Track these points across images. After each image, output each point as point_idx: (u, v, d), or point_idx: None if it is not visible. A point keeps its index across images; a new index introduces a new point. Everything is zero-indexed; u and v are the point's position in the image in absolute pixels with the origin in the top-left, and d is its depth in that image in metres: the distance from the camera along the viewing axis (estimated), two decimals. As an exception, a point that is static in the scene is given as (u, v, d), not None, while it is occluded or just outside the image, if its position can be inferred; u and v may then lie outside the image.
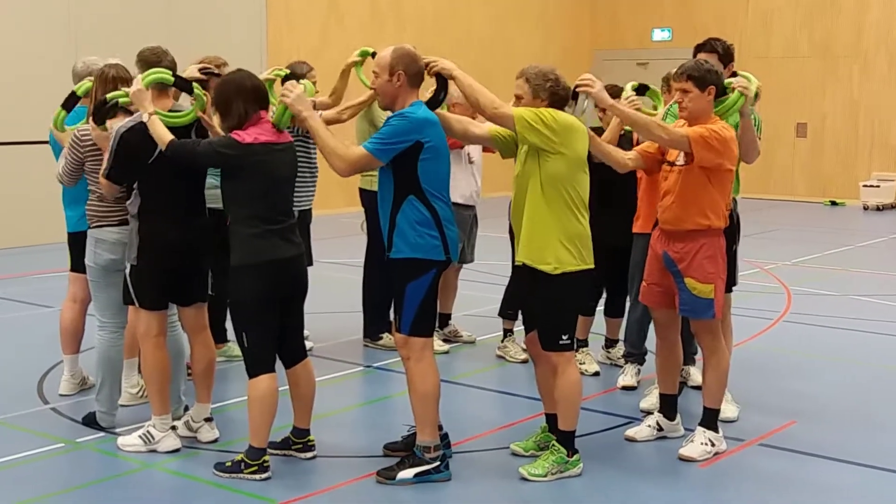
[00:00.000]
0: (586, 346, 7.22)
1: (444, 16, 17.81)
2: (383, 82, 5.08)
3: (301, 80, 6.70)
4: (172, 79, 5.40)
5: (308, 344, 6.48)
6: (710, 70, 5.39)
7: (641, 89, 6.50)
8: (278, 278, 5.10)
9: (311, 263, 6.91)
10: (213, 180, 6.03)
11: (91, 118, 5.52)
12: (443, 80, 5.18)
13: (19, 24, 12.46)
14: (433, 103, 5.17)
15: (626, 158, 5.64)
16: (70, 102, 6.02)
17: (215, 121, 5.44)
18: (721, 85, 5.46)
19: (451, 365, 7.27)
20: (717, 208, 5.41)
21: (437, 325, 7.71)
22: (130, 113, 5.40)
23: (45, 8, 12.65)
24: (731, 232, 5.94)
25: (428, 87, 5.21)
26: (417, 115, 4.99)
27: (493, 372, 7.29)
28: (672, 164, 5.48)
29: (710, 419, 5.58)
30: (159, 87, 5.38)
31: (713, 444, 5.53)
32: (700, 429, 5.57)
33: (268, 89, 5.69)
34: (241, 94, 5.08)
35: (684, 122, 5.48)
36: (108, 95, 5.47)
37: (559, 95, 5.09)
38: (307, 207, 7.29)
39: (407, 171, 4.98)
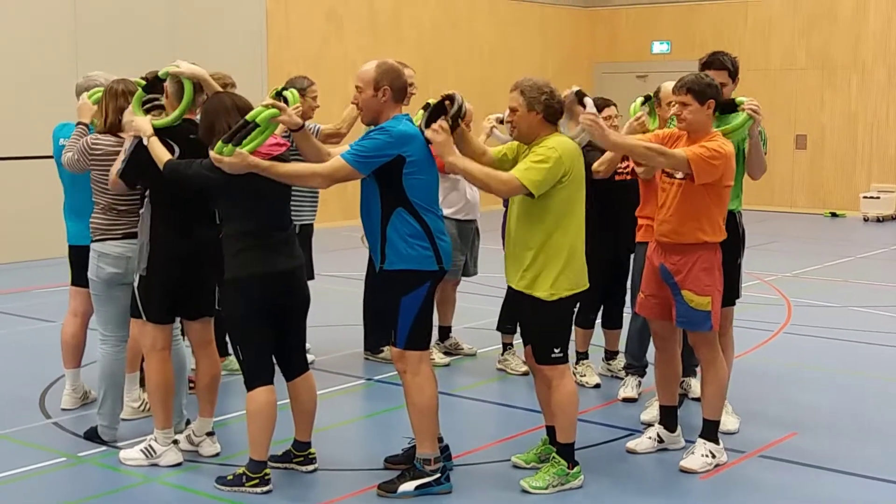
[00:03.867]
0: (586, 358, 7.22)
1: (443, 29, 17.86)
2: (368, 97, 5.02)
3: (287, 91, 6.71)
4: (143, 90, 5.46)
5: (309, 357, 6.48)
6: (710, 84, 5.41)
7: (647, 100, 6.51)
8: (269, 291, 5.09)
9: (311, 277, 6.92)
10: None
11: (132, 105, 5.55)
12: (442, 105, 5.11)
13: (21, 40, 12.50)
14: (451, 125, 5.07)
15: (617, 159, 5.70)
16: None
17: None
18: (719, 99, 5.47)
19: (452, 378, 7.28)
20: (715, 223, 5.43)
21: (437, 338, 7.79)
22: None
23: (47, 27, 12.68)
24: (736, 245, 5.95)
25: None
26: (398, 130, 4.95)
27: (494, 385, 7.30)
28: (672, 176, 5.49)
29: (711, 431, 5.59)
30: (178, 96, 5.42)
31: (714, 456, 5.53)
32: (700, 441, 5.58)
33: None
34: (224, 112, 5.07)
35: (672, 131, 5.53)
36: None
37: (553, 108, 5.09)
38: (309, 221, 7.30)
39: (393, 186, 4.96)
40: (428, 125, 5.06)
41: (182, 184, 5.19)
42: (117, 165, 5.43)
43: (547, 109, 5.08)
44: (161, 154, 5.19)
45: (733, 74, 5.96)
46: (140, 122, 5.31)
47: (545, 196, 5.03)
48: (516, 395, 6.97)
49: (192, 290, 5.52)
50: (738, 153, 5.75)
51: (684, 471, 5.47)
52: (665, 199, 5.51)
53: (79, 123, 6.04)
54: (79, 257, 6.12)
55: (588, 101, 5.26)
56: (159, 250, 5.37)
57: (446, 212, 7.25)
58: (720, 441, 5.61)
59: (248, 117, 4.93)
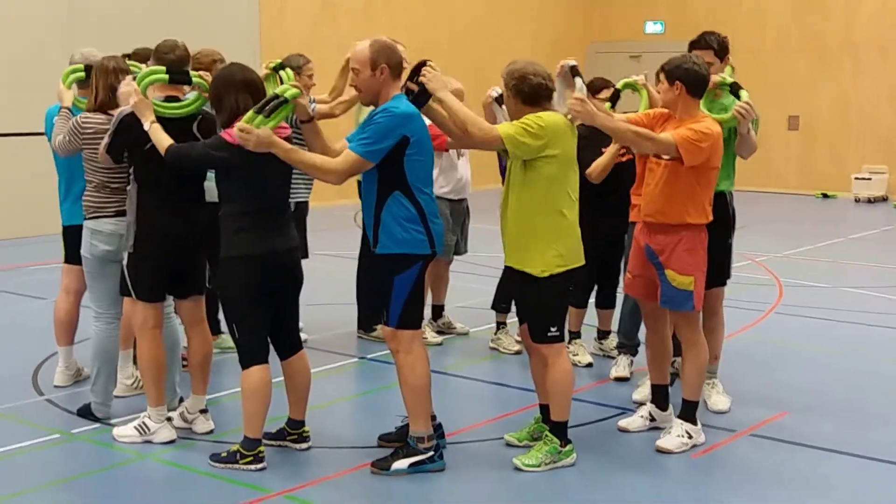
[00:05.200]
0: (579, 337, 7.24)
1: (436, 9, 17.81)
2: (366, 78, 5.03)
3: (283, 70, 6.70)
4: (167, 76, 5.40)
5: (302, 336, 6.49)
6: (678, 66, 5.41)
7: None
8: (266, 271, 5.10)
9: (306, 256, 6.92)
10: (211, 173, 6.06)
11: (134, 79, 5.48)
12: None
13: (13, 15, 12.44)
14: (421, 100, 5.11)
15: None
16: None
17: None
18: (694, 81, 5.38)
19: (444, 357, 7.30)
20: (700, 205, 5.45)
21: (431, 317, 7.82)
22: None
23: (41, 3, 12.63)
24: (726, 225, 5.98)
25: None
26: (402, 110, 4.97)
27: (487, 364, 7.33)
28: (659, 156, 5.51)
29: (689, 411, 5.61)
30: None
31: (690, 437, 5.55)
32: (678, 421, 5.60)
33: (266, 84, 5.65)
34: (233, 88, 5.07)
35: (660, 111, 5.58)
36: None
37: (524, 92, 5.10)
38: (304, 199, 7.29)
39: (393, 167, 4.97)
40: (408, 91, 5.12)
41: (186, 167, 5.19)
42: (106, 139, 5.43)
43: (518, 94, 5.12)
44: (163, 140, 5.16)
45: (719, 53, 5.97)
46: (143, 107, 5.26)
47: (535, 173, 5.06)
48: (509, 373, 7.00)
49: (181, 268, 5.53)
50: (727, 136, 5.77)
51: (660, 450, 5.49)
52: (652, 179, 5.54)
53: (62, 108, 6.03)
54: (72, 236, 6.13)
55: (578, 80, 5.28)
56: (146, 228, 5.38)
57: (439, 191, 7.25)
58: (698, 421, 5.63)
59: (277, 91, 4.94)
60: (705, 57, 5.78)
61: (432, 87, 5.03)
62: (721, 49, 5.99)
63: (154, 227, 5.38)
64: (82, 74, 6.02)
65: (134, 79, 5.42)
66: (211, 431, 5.64)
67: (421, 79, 5.05)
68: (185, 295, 5.65)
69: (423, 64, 5.11)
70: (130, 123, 5.29)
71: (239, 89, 5.06)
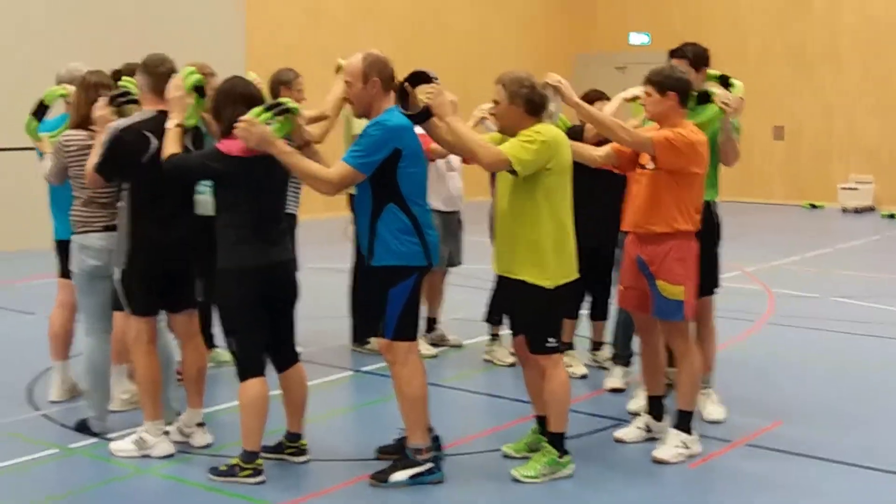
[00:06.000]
0: (572, 349, 7.27)
1: (422, 16, 17.85)
2: (358, 90, 5.09)
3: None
4: (205, 81, 5.45)
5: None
6: (669, 76, 5.47)
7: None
8: (264, 283, 5.12)
9: (296, 268, 6.91)
10: (199, 187, 6.05)
11: (109, 101, 5.55)
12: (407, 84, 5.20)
13: (2, 32, 12.42)
14: (423, 116, 5.15)
15: (595, 154, 5.73)
16: (39, 111, 6.16)
17: None
18: (686, 91, 5.48)
19: (439, 369, 7.30)
20: (686, 212, 5.49)
21: (425, 329, 7.82)
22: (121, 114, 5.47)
23: (22, 13, 12.64)
24: (712, 234, 6.03)
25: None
26: (394, 123, 5.01)
27: (482, 375, 7.34)
28: (643, 167, 5.55)
29: (684, 421, 5.63)
30: (152, 89, 5.42)
31: (687, 447, 5.57)
32: (674, 431, 5.62)
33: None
34: (231, 100, 5.11)
35: (656, 126, 5.58)
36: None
37: (534, 102, 5.13)
38: (292, 212, 7.28)
39: (387, 180, 5.00)
40: (403, 105, 5.13)
41: (183, 176, 5.20)
42: (93, 160, 5.42)
43: (528, 103, 5.13)
44: (171, 147, 5.17)
45: (695, 63, 6.03)
46: (180, 106, 5.26)
47: (534, 184, 5.08)
48: (503, 385, 7.01)
49: (174, 282, 5.54)
50: (711, 143, 5.82)
51: (657, 461, 5.51)
52: (638, 190, 5.58)
53: (44, 154, 6.06)
54: (65, 250, 6.12)
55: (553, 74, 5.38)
56: (138, 243, 5.38)
57: (429, 203, 7.26)
58: (693, 431, 5.65)
59: (280, 100, 5.13)
60: (681, 67, 5.85)
61: (441, 114, 5.06)
62: (696, 59, 6.06)
63: (148, 240, 5.38)
64: (36, 123, 6.16)
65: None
66: (209, 445, 5.64)
67: (427, 101, 5.07)
68: (178, 309, 5.65)
69: (421, 73, 5.14)
70: (124, 138, 5.29)
71: (238, 102, 5.09)
